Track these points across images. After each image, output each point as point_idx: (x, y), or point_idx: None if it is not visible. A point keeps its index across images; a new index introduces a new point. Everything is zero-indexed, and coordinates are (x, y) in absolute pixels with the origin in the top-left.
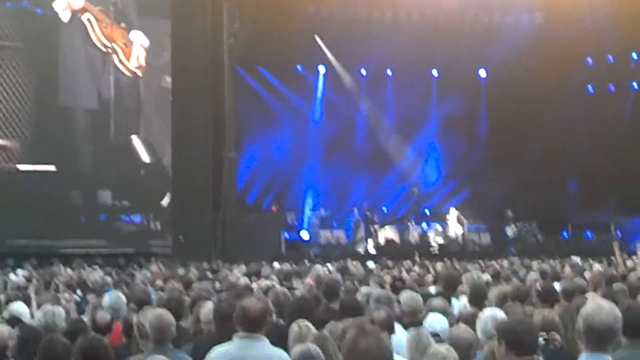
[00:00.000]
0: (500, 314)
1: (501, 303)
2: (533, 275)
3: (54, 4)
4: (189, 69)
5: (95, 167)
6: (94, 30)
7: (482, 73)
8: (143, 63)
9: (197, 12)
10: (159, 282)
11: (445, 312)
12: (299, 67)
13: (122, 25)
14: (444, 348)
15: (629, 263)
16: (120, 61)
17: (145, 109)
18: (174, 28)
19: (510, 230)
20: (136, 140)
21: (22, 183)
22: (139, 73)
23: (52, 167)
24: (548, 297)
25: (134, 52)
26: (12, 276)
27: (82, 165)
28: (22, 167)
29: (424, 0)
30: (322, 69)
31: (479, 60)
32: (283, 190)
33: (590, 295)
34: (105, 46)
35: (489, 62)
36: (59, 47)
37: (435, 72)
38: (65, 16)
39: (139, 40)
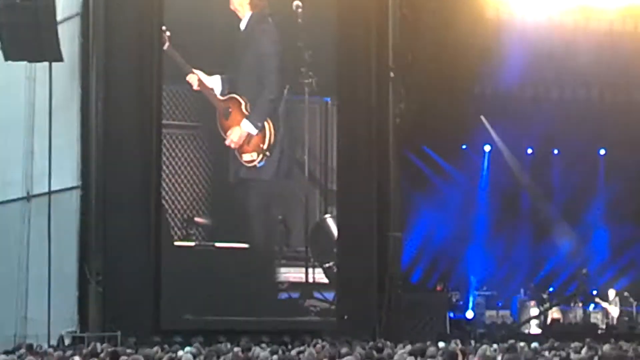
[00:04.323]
0: None
1: None
2: None
3: None
4: (355, 149)
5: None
6: None
7: None
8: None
9: (362, 92)
10: None
11: None
12: (464, 146)
13: None
14: None
15: None
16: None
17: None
18: (340, 107)
19: None
20: (330, 220)
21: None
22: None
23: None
24: None
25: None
26: (180, 353)
27: None
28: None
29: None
30: (487, 148)
31: None
32: (447, 269)
33: None
34: None
35: None
36: None
37: (602, 151)
38: None
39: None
